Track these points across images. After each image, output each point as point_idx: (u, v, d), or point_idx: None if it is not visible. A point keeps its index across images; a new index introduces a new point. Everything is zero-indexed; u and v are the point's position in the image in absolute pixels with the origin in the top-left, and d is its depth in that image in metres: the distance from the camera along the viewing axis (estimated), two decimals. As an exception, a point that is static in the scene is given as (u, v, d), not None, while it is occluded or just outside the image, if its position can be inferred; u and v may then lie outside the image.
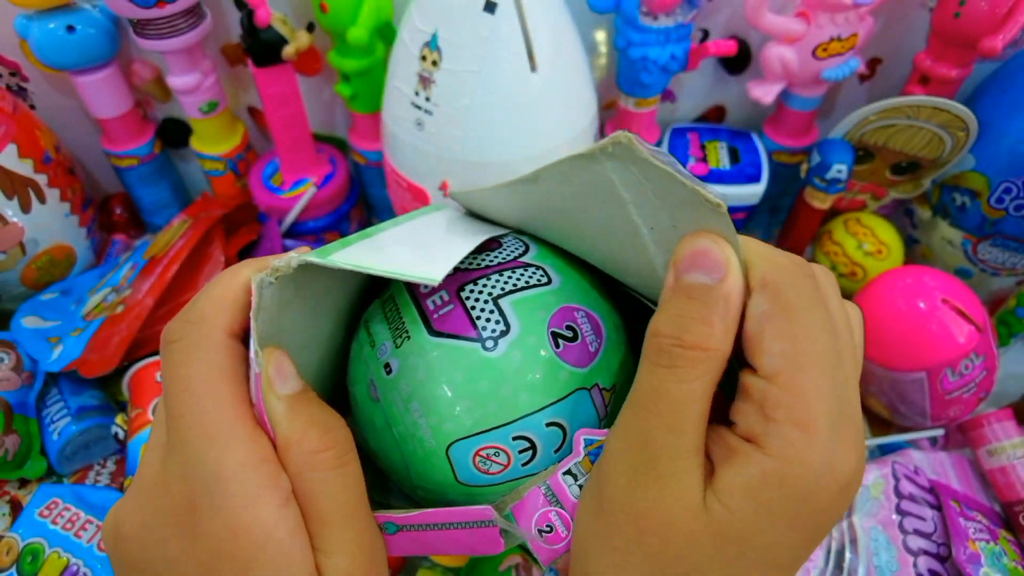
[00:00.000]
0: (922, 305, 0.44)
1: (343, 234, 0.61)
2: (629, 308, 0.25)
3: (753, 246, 0.18)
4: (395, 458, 0.23)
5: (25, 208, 0.50)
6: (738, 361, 0.19)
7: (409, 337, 0.22)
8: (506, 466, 0.21)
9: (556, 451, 0.21)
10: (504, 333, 0.21)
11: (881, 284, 0.47)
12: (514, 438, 0.21)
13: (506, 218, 0.25)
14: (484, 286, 0.22)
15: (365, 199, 0.63)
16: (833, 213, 0.58)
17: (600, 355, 0.22)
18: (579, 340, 0.22)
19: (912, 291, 0.45)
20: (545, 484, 0.21)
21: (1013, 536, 0.42)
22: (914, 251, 0.58)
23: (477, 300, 0.22)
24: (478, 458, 0.21)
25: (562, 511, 0.21)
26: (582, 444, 0.21)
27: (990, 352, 0.45)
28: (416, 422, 0.22)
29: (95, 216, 0.59)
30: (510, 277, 0.23)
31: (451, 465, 0.22)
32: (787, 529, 0.17)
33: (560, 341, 0.22)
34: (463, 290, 0.22)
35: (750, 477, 0.17)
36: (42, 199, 0.51)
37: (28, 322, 0.50)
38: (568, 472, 0.21)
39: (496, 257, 0.24)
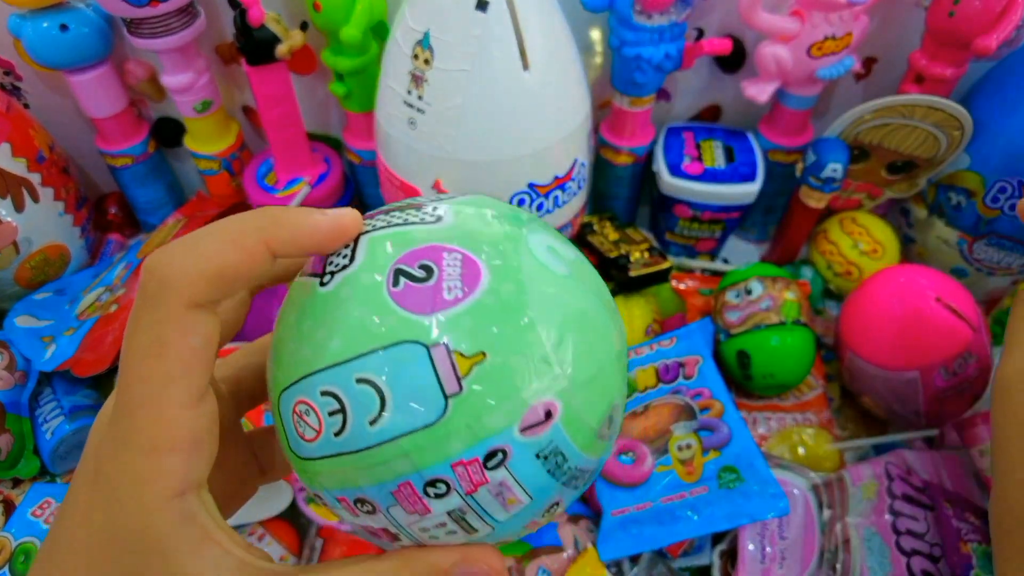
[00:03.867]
0: (916, 304, 0.44)
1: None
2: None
3: None
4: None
5: (19, 207, 0.50)
6: None
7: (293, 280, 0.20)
8: (318, 432, 0.18)
9: (372, 422, 0.17)
10: (344, 268, 0.18)
11: (875, 283, 0.47)
12: (322, 393, 0.17)
13: None
14: (365, 225, 0.19)
15: (360, 198, 0.63)
16: (829, 212, 0.58)
17: (460, 308, 0.17)
18: (430, 282, 0.17)
19: (906, 290, 0.45)
20: None
21: (1007, 536, 0.42)
22: (910, 250, 0.57)
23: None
24: (296, 417, 0.18)
25: None
26: None
27: (984, 351, 0.44)
28: (270, 369, 0.19)
29: (89, 215, 0.59)
30: (395, 217, 0.19)
31: (283, 424, 0.19)
32: None
33: (401, 279, 0.17)
34: None
35: None
36: (36, 198, 0.51)
37: (22, 321, 0.50)
38: None
39: (407, 202, 0.21)
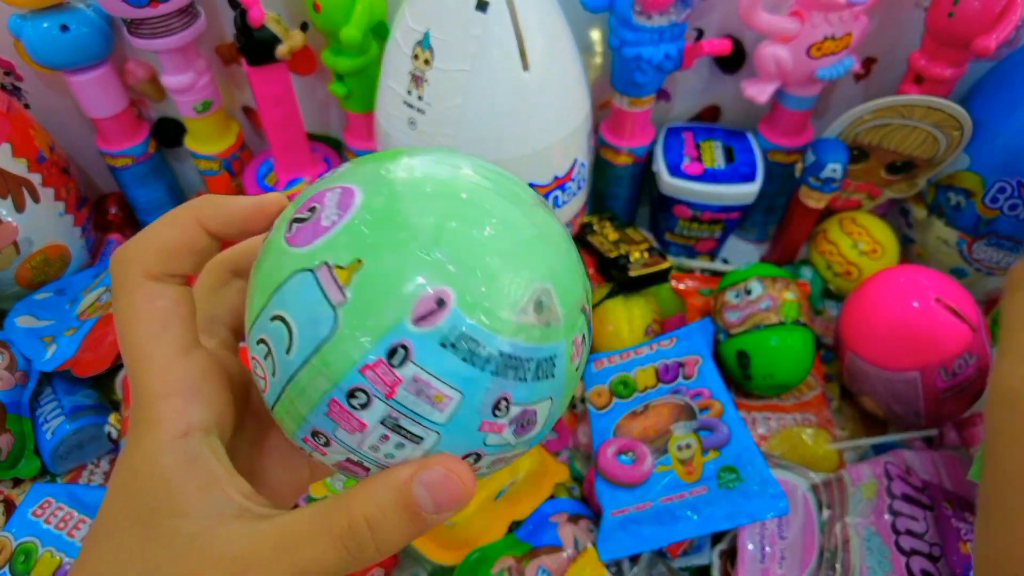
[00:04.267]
0: (916, 304, 0.44)
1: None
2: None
3: None
4: None
5: (19, 207, 0.50)
6: None
7: None
8: (266, 380, 0.19)
9: (287, 352, 0.18)
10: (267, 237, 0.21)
11: (875, 283, 0.47)
12: (257, 342, 0.19)
13: None
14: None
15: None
16: (828, 212, 0.58)
17: (336, 229, 0.18)
18: (313, 219, 0.19)
19: (906, 290, 0.45)
20: None
21: (1006, 536, 0.42)
22: (909, 251, 0.57)
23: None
24: (255, 376, 0.20)
25: None
26: None
27: (984, 351, 0.45)
28: None
29: (90, 216, 0.59)
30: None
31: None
32: None
33: (294, 226, 0.19)
34: None
35: None
36: (36, 198, 0.51)
37: (22, 321, 0.50)
38: None
39: None
